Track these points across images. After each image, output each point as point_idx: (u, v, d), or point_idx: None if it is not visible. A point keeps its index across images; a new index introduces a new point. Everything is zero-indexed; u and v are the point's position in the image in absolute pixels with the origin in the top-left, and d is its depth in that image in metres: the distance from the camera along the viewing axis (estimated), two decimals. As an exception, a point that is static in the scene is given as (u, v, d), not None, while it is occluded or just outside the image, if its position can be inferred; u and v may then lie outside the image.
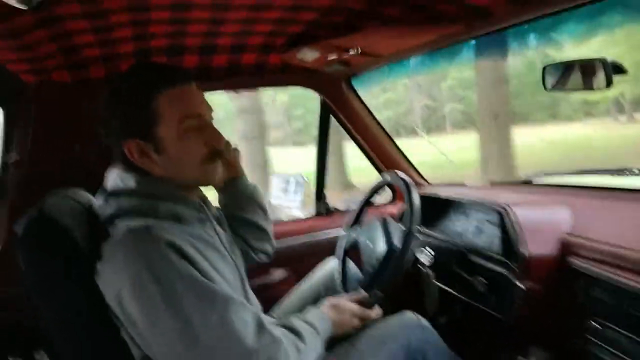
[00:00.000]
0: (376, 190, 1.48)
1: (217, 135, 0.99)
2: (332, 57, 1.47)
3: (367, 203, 1.49)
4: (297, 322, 1.03)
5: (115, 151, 0.97)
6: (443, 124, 15.62)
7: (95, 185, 1.03)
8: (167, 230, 0.90)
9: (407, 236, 1.18)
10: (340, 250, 1.43)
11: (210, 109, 1.00)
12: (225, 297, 0.87)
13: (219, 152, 1.00)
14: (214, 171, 1.01)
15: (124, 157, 0.96)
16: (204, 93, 1.01)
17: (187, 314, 0.84)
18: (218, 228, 1.09)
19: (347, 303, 1.15)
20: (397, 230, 1.29)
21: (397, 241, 1.24)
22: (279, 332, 0.94)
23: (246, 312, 0.89)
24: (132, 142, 0.94)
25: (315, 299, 1.38)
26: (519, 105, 13.04)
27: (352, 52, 1.39)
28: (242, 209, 1.28)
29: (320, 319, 1.07)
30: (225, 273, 0.98)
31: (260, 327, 0.89)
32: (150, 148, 0.95)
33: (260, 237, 1.31)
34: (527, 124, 12.85)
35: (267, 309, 1.38)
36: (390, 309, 1.19)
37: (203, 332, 0.84)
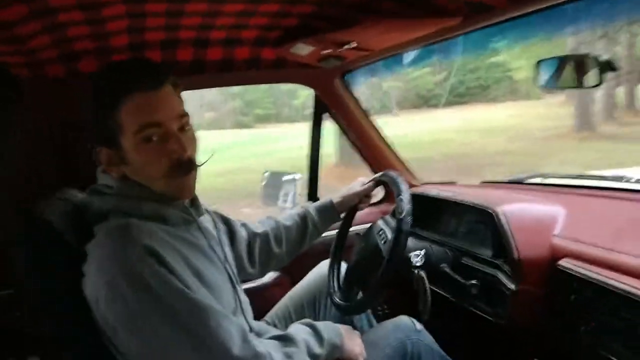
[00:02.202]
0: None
1: (182, 145, 0.90)
2: (327, 51, 1.45)
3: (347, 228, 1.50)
4: (291, 328, 1.03)
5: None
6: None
7: (90, 182, 1.01)
8: (148, 233, 0.87)
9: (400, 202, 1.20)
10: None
11: (179, 115, 0.92)
12: (205, 306, 0.85)
13: (184, 163, 0.92)
14: (181, 184, 0.94)
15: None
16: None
17: (162, 324, 0.82)
18: (207, 229, 1.06)
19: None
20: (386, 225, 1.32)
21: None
22: (267, 345, 0.92)
23: (230, 323, 0.87)
24: (102, 149, 0.93)
25: (310, 303, 1.39)
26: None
27: (346, 47, 1.37)
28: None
29: (326, 326, 1.07)
30: (212, 276, 0.96)
31: (245, 340, 0.87)
32: (117, 158, 0.92)
33: (288, 256, 1.38)
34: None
35: (261, 313, 1.36)
36: (385, 314, 1.19)
37: (183, 342, 0.82)
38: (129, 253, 0.83)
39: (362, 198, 1.45)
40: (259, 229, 1.32)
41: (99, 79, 0.92)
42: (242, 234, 1.28)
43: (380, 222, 1.35)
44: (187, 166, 0.93)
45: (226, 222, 1.26)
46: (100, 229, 0.90)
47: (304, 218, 1.37)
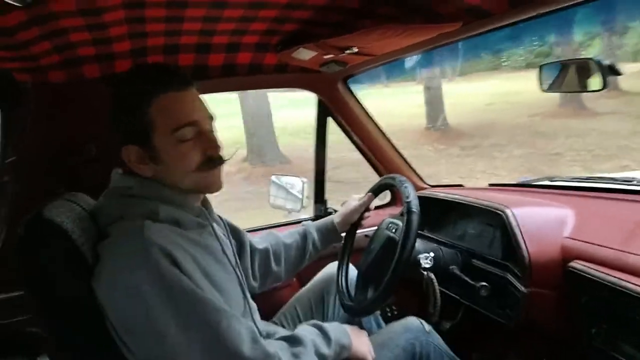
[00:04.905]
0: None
1: (214, 143, 0.96)
2: (329, 56, 1.45)
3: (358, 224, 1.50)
4: (298, 329, 1.03)
5: (118, 153, 0.96)
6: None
7: (93, 185, 1.02)
8: (162, 234, 0.88)
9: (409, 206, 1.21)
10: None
11: (207, 113, 0.97)
12: (216, 308, 0.86)
13: (215, 159, 0.97)
14: (210, 178, 0.98)
15: (123, 161, 0.95)
16: (201, 96, 0.98)
17: (174, 323, 0.83)
18: (220, 235, 1.07)
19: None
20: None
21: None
22: (275, 346, 0.93)
23: (240, 324, 0.88)
24: (131, 148, 0.93)
25: (318, 304, 1.40)
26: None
27: (348, 52, 1.37)
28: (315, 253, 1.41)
29: (333, 326, 1.07)
30: (222, 281, 0.97)
31: (255, 341, 0.88)
32: (147, 156, 0.94)
33: (286, 274, 1.37)
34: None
35: (270, 314, 1.37)
36: (394, 315, 1.18)
37: (194, 342, 0.83)
38: (144, 253, 0.84)
39: (361, 214, 1.46)
40: (260, 244, 1.33)
41: (127, 77, 0.95)
42: (248, 247, 1.29)
43: (387, 219, 1.36)
44: (218, 161, 0.97)
45: (236, 232, 1.26)
46: (114, 229, 0.91)
47: (304, 237, 1.38)
